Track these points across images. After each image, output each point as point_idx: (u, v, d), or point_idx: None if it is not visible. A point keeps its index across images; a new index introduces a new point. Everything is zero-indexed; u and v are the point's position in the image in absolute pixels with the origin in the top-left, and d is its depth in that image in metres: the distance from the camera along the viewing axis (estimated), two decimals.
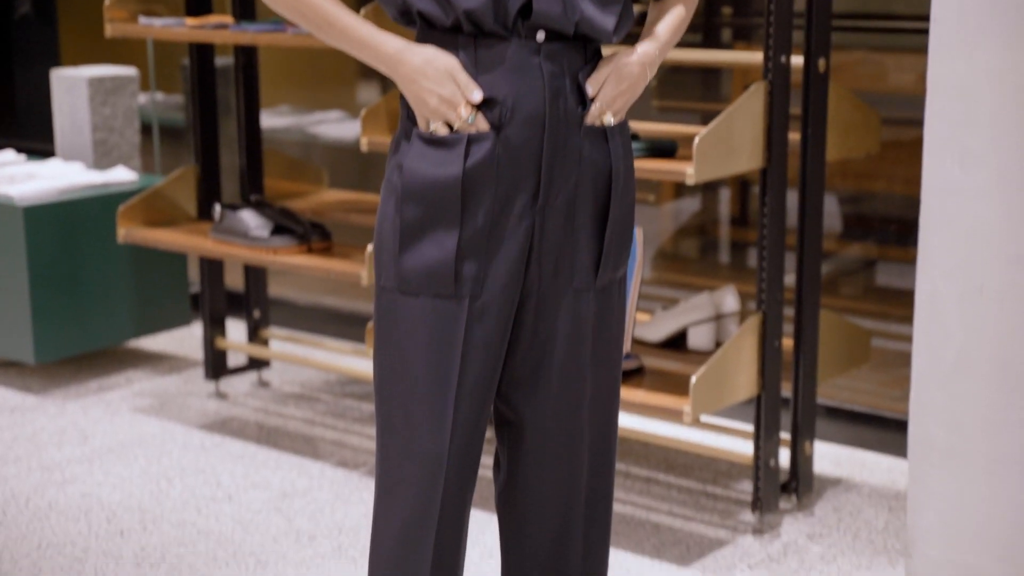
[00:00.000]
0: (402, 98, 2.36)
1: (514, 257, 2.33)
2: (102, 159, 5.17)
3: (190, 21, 4.31)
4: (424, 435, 2.37)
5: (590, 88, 2.34)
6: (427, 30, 2.29)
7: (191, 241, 4.36)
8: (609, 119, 2.35)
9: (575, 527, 2.52)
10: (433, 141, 2.29)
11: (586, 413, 2.47)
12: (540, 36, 2.24)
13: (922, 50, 3.18)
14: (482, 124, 2.27)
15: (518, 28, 2.23)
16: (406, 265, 2.31)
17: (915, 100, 3.25)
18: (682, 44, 2.89)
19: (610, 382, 2.52)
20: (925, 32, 3.13)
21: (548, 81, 2.27)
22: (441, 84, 2.23)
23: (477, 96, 2.25)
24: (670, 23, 2.44)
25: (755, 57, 3.52)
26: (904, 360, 3.37)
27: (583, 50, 2.33)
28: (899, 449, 3.77)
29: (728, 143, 3.32)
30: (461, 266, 2.29)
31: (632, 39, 2.43)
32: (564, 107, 2.29)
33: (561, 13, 2.22)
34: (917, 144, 3.22)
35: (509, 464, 2.52)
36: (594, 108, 2.34)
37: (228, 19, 4.41)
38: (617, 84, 2.33)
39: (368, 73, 6.37)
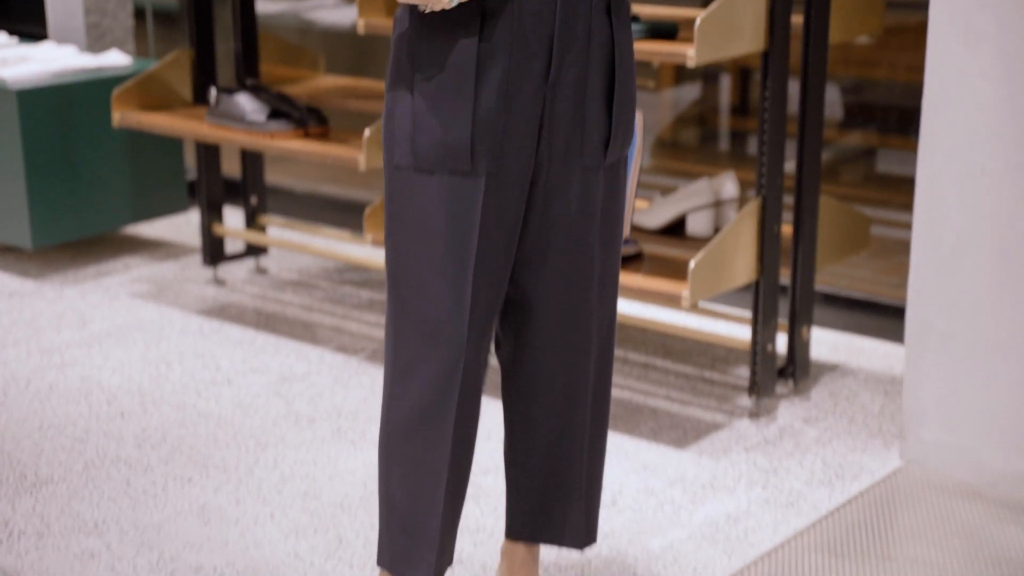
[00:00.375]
0: None
1: (527, 133, 2.33)
2: (95, 42, 5.16)
3: None
4: (443, 314, 2.38)
5: None
6: None
7: (187, 126, 4.35)
8: None
9: (581, 407, 2.54)
10: (445, 18, 2.27)
11: (594, 293, 2.49)
12: None
13: None
14: None
15: None
16: (421, 142, 2.31)
17: None
18: None
19: (614, 262, 2.53)
20: None
21: None
22: None
23: None
24: None
25: None
26: (903, 248, 3.40)
27: None
28: (896, 335, 3.80)
29: (730, 24, 3.29)
30: (476, 142, 2.29)
31: None
32: None
33: None
34: (920, 30, 3.22)
35: (516, 346, 2.54)
36: None
37: None
38: None
39: None
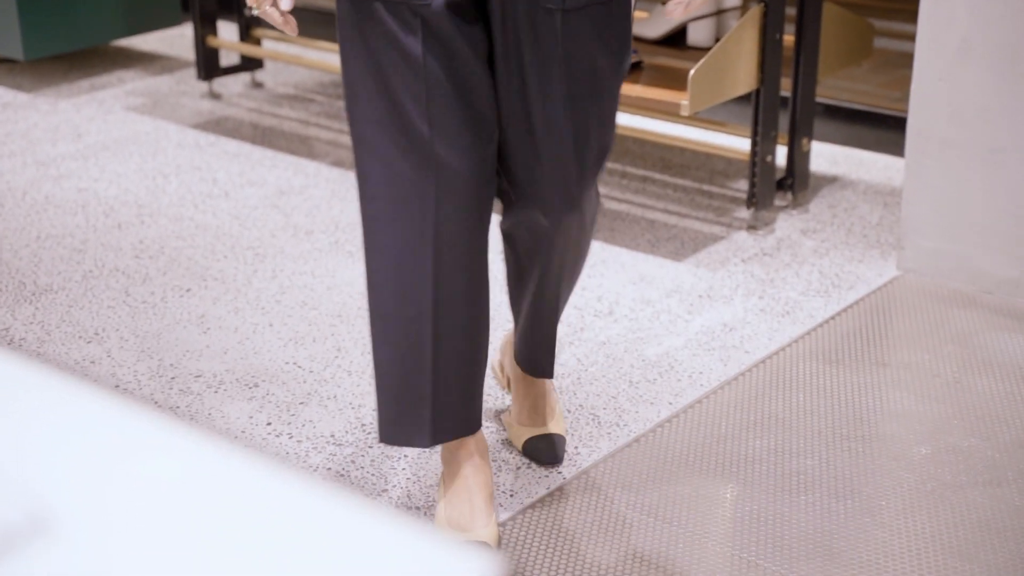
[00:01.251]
0: None
1: None
2: None
3: None
4: (402, 145, 2.30)
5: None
6: None
7: None
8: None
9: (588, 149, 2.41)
10: None
11: (594, 109, 2.36)
12: None
13: None
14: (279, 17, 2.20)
15: None
16: None
17: None
18: None
19: (613, 83, 2.38)
20: None
21: None
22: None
23: (285, 4, 2.18)
24: None
25: None
26: (906, 61, 3.41)
27: None
28: (896, 148, 3.79)
29: None
30: None
31: None
32: None
33: None
34: None
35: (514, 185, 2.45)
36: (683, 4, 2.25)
37: None
38: None
39: None
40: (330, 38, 5.05)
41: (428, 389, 2.40)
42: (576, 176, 2.37)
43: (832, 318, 3.20)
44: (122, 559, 0.81)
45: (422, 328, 2.37)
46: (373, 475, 2.63)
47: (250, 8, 2.19)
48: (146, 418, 0.94)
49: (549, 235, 2.44)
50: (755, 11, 3.46)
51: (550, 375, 2.76)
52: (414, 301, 2.37)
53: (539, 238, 2.47)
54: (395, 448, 2.68)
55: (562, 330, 3.06)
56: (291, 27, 2.22)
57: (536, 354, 2.72)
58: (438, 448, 2.51)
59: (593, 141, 2.38)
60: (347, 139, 4.24)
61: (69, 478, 0.90)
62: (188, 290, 3.34)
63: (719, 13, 3.74)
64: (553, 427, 2.75)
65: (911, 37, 3.32)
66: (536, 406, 2.76)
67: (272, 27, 4.93)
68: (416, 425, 2.43)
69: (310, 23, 5.20)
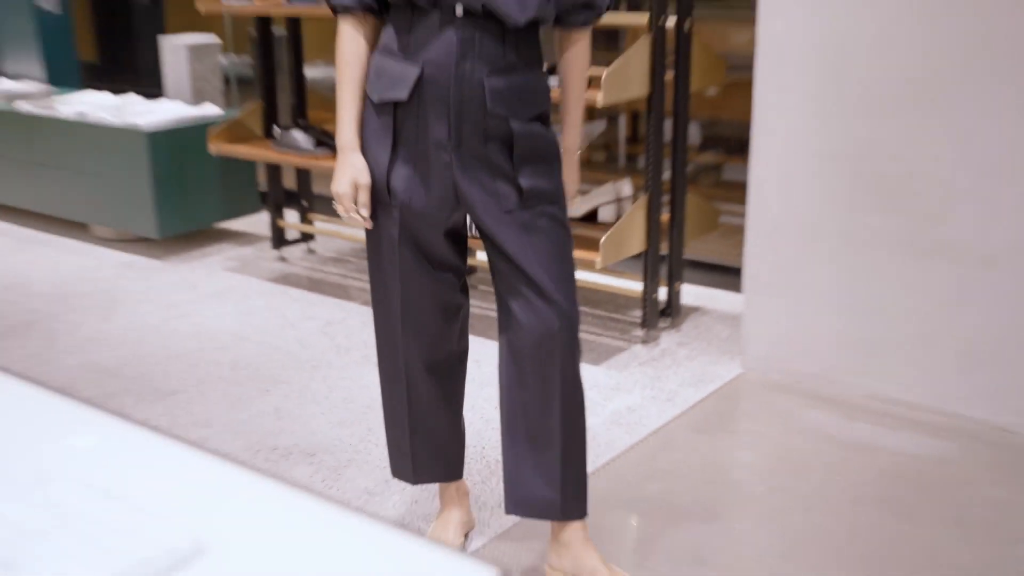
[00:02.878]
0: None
1: (439, 176, 2.08)
2: (196, 98, 5.14)
3: (257, 0, 4.23)
4: (381, 293, 2.24)
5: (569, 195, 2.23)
6: (391, 6, 2.06)
7: (259, 152, 4.33)
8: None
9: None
10: (373, 102, 2.10)
11: (534, 289, 2.12)
12: (459, 11, 1.99)
13: (753, 19, 3.19)
14: (362, 220, 2.14)
15: (440, 3, 1.99)
16: (372, 177, 2.13)
17: (748, 54, 3.26)
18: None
19: (562, 248, 2.16)
20: (754, 4, 3.15)
21: (457, 43, 1.99)
22: (341, 182, 2.11)
23: (364, 213, 2.12)
24: (575, 99, 2.23)
25: (641, 18, 3.43)
26: (741, 229, 3.41)
27: (498, 30, 2.02)
28: (737, 288, 3.77)
29: (624, 77, 3.30)
30: (390, 181, 2.10)
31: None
32: (472, 69, 2.01)
33: None
34: (749, 83, 3.24)
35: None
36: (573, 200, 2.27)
37: None
38: (571, 187, 2.27)
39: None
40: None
41: (408, 449, 2.37)
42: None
43: (699, 402, 3.22)
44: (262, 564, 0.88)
45: (403, 419, 2.34)
46: (394, 512, 2.63)
47: (342, 215, 2.15)
48: (248, 478, 1.00)
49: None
50: (642, 199, 3.52)
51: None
52: (399, 399, 2.33)
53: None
54: (409, 493, 2.69)
55: None
56: (368, 224, 2.17)
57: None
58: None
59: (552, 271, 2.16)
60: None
61: (211, 515, 0.92)
62: (267, 391, 3.35)
63: (619, 200, 3.75)
64: None
65: (743, 214, 3.36)
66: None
67: (322, 212, 5.05)
68: (405, 469, 2.40)
69: None
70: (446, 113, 2.02)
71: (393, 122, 2.07)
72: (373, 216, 2.16)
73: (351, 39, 2.12)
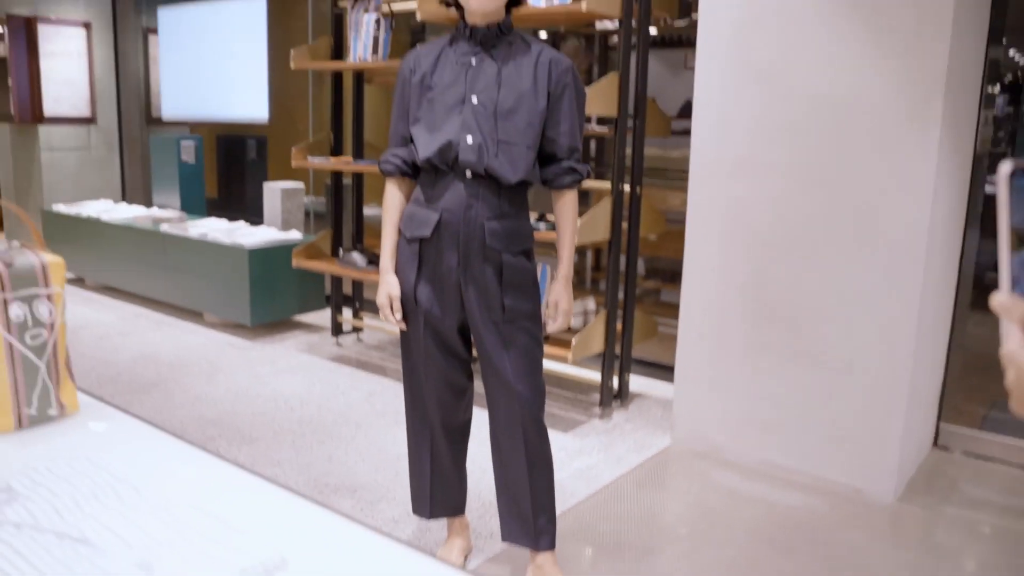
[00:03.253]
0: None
1: (455, 298, 2.07)
2: (285, 226, 5.19)
3: (332, 159, 4.34)
4: (410, 375, 2.21)
5: (548, 319, 2.13)
6: (422, 164, 2.04)
7: (328, 267, 4.34)
8: (563, 323, 2.12)
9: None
10: (406, 238, 2.09)
11: (510, 382, 2.10)
12: (468, 173, 2.01)
13: (684, 188, 3.25)
14: (396, 322, 2.10)
15: (455, 167, 2.01)
16: (402, 288, 2.10)
17: (680, 210, 3.31)
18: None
19: (531, 353, 2.12)
20: (687, 177, 3.20)
21: (465, 197, 2.00)
22: (381, 295, 2.10)
23: (398, 317, 2.09)
24: (567, 240, 2.13)
25: (605, 185, 3.44)
26: (672, 337, 3.40)
27: (496, 187, 2.01)
28: (670, 379, 3.79)
29: (592, 226, 3.33)
30: (417, 295, 2.09)
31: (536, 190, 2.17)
32: (475, 215, 2.00)
33: (476, 160, 1.98)
34: (681, 232, 3.27)
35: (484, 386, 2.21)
36: (557, 324, 2.13)
37: (349, 158, 4.43)
38: (563, 303, 2.13)
39: None
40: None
41: (427, 492, 2.32)
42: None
43: (640, 464, 3.18)
44: None
45: (424, 469, 2.30)
46: (413, 538, 2.60)
47: (383, 316, 2.12)
48: (310, 507, 1.00)
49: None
50: (603, 313, 3.52)
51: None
52: (423, 454, 2.29)
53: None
54: (424, 524, 2.63)
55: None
56: (402, 325, 2.14)
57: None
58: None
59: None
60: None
61: (286, 534, 0.92)
62: (323, 441, 3.31)
63: (585, 313, 3.75)
64: None
65: (676, 325, 3.33)
66: None
67: (368, 311, 5.03)
68: (423, 507, 2.35)
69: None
70: (456, 246, 2.02)
71: (419, 252, 2.07)
72: (405, 319, 2.14)
73: (392, 194, 2.15)
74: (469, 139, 1.97)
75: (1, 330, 1.11)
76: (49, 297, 1.15)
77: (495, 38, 2.01)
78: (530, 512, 2.18)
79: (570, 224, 2.14)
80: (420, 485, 2.34)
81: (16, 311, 1.12)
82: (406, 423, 2.31)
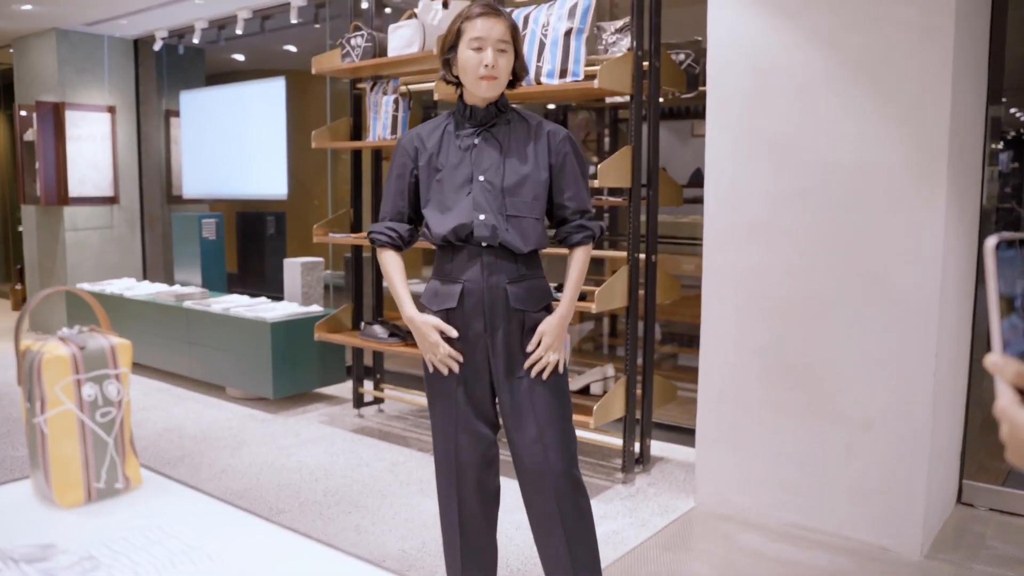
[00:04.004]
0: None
1: (480, 357, 2.12)
2: (305, 300, 5.23)
3: (352, 235, 4.40)
4: (441, 444, 2.20)
5: (531, 347, 2.09)
6: (436, 241, 2.11)
7: (350, 339, 4.36)
8: (551, 357, 2.09)
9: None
10: (431, 311, 2.12)
11: (538, 439, 2.13)
12: (483, 244, 2.06)
13: (697, 253, 3.30)
14: (451, 364, 2.08)
15: (470, 241, 2.07)
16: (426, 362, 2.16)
17: (694, 275, 3.39)
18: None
19: (558, 403, 2.15)
20: (697, 242, 3.26)
21: (484, 265, 2.07)
22: (428, 337, 2.09)
23: (445, 350, 2.08)
24: (571, 285, 2.16)
25: (621, 254, 3.52)
26: (691, 400, 3.42)
27: (511, 254, 2.09)
28: (692, 443, 3.80)
29: (610, 293, 3.35)
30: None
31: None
32: (496, 280, 2.07)
33: (490, 236, 2.05)
34: (696, 297, 3.32)
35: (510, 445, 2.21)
36: (536, 353, 2.09)
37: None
38: (547, 337, 2.10)
39: (429, 261, 6.52)
40: (418, 388, 5.14)
41: (459, 564, 2.28)
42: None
43: (665, 527, 3.17)
44: None
45: (455, 541, 2.27)
46: None
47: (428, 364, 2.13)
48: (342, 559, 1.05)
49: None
50: (623, 379, 3.52)
51: None
52: (452, 519, 2.26)
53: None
54: None
55: (526, 535, 2.87)
56: (460, 357, 2.10)
57: None
58: None
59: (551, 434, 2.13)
60: (424, 436, 4.24)
61: None
62: (348, 512, 3.30)
63: (604, 379, 3.76)
64: None
65: (695, 389, 3.35)
66: None
67: (390, 382, 5.06)
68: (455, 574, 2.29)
69: (408, 381, 5.30)
70: (482, 312, 2.08)
71: (446, 322, 2.11)
72: (437, 387, 2.14)
73: (388, 254, 2.19)
74: (481, 217, 2.04)
75: (75, 408, 1.18)
76: (117, 377, 1.22)
77: (494, 116, 2.09)
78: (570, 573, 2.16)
79: (578, 270, 2.17)
80: (452, 558, 2.31)
81: (88, 391, 1.19)
82: (438, 495, 2.29)
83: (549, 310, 2.17)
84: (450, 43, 2.07)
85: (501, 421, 2.21)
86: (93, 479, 1.21)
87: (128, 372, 1.24)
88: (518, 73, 2.09)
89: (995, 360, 0.66)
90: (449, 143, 2.09)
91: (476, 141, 2.07)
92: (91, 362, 1.19)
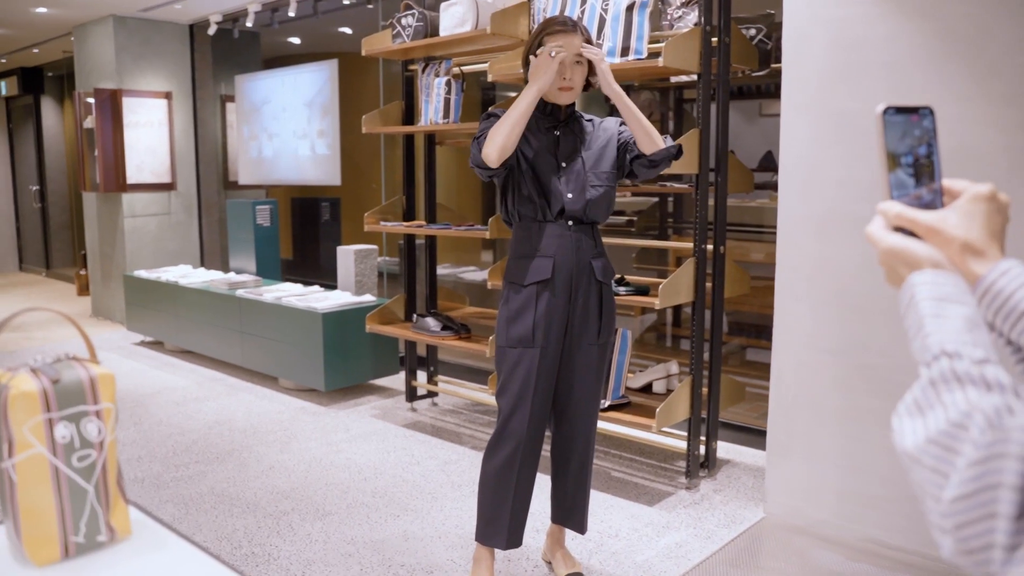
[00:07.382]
0: (507, 263, 2.48)
1: (561, 327, 2.42)
2: (359, 290, 5.19)
3: (404, 224, 4.35)
4: (516, 419, 2.44)
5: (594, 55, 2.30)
6: (520, 220, 2.43)
7: (402, 332, 4.32)
8: (599, 54, 2.30)
9: (585, 453, 2.61)
10: (521, 285, 2.41)
11: (589, 403, 2.54)
12: (570, 222, 2.39)
13: (766, 240, 3.16)
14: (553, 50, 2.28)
15: (560, 218, 2.38)
16: (511, 333, 2.41)
17: (764, 263, 3.24)
18: (649, 238, 2.86)
19: (597, 390, 2.56)
20: (775, 232, 3.12)
21: (573, 241, 2.39)
22: (539, 63, 2.28)
23: (555, 52, 2.27)
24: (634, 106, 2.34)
25: (687, 244, 3.45)
26: (760, 398, 3.34)
27: (592, 227, 2.43)
28: (761, 445, 3.70)
29: (675, 288, 3.26)
30: (535, 332, 2.40)
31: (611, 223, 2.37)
32: (582, 255, 2.40)
33: (581, 211, 2.38)
34: (767, 287, 3.22)
35: (557, 425, 2.59)
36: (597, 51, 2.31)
37: (422, 221, 4.43)
38: (606, 64, 2.32)
39: (487, 247, 6.45)
40: (471, 380, 5.08)
41: (506, 520, 2.50)
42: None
43: (732, 540, 3.03)
44: None
45: (508, 496, 2.49)
46: None
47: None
48: None
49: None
50: (688, 378, 3.40)
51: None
52: (509, 480, 2.49)
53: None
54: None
55: (586, 545, 2.93)
56: (554, 64, 2.29)
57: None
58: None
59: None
60: (478, 433, 4.22)
61: None
62: (397, 516, 3.24)
63: (668, 376, 3.65)
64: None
65: (766, 387, 3.25)
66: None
67: (443, 374, 4.99)
68: (499, 537, 2.52)
69: (462, 373, 5.25)
70: (569, 284, 2.40)
71: (536, 294, 2.39)
72: (523, 352, 2.41)
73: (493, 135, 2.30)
74: (570, 195, 2.38)
75: (46, 452, 1.01)
76: (98, 414, 1.05)
77: (568, 116, 2.47)
78: (583, 505, 2.65)
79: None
80: (498, 513, 2.51)
81: (62, 431, 1.02)
82: (493, 454, 2.48)
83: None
84: (533, 50, 2.39)
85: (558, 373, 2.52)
86: (71, 532, 1.04)
87: (112, 407, 1.07)
88: (591, 81, 2.40)
89: (882, 206, 0.75)
90: (536, 129, 2.41)
91: (557, 131, 2.43)
92: (65, 398, 1.02)
